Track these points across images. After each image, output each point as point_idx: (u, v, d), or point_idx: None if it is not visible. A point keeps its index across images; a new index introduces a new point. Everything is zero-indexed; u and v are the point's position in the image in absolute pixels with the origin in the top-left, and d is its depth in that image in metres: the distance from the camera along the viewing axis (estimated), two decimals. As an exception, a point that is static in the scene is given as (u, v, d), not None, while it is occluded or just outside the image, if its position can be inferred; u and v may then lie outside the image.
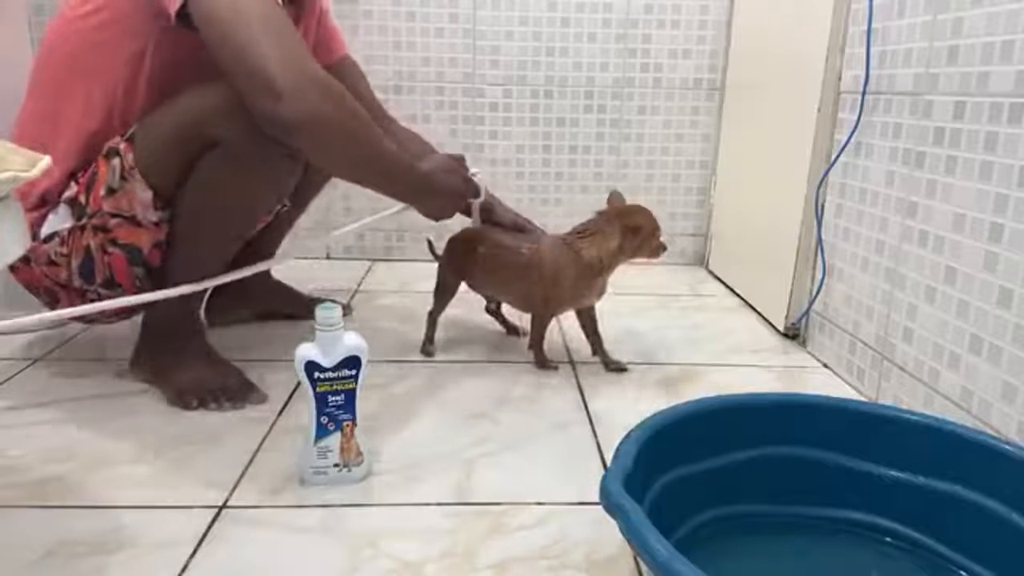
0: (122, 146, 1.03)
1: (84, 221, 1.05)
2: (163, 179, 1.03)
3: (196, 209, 1.05)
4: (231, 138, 0.99)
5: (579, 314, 1.28)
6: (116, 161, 1.03)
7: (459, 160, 1.20)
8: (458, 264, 1.30)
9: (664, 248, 1.21)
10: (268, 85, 0.89)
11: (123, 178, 1.02)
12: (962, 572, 0.74)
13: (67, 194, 1.07)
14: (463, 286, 1.34)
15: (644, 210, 1.20)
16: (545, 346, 1.27)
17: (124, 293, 1.10)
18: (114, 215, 1.03)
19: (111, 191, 1.03)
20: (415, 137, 1.38)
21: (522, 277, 1.22)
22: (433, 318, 1.34)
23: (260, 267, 1.17)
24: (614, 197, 1.22)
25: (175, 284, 1.10)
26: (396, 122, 1.41)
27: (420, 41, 1.88)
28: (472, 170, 1.22)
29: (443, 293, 1.33)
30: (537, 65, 1.91)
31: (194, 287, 1.06)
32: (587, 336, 1.29)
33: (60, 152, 1.05)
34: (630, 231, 1.17)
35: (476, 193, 1.24)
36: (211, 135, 1.00)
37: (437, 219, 1.17)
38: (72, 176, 1.07)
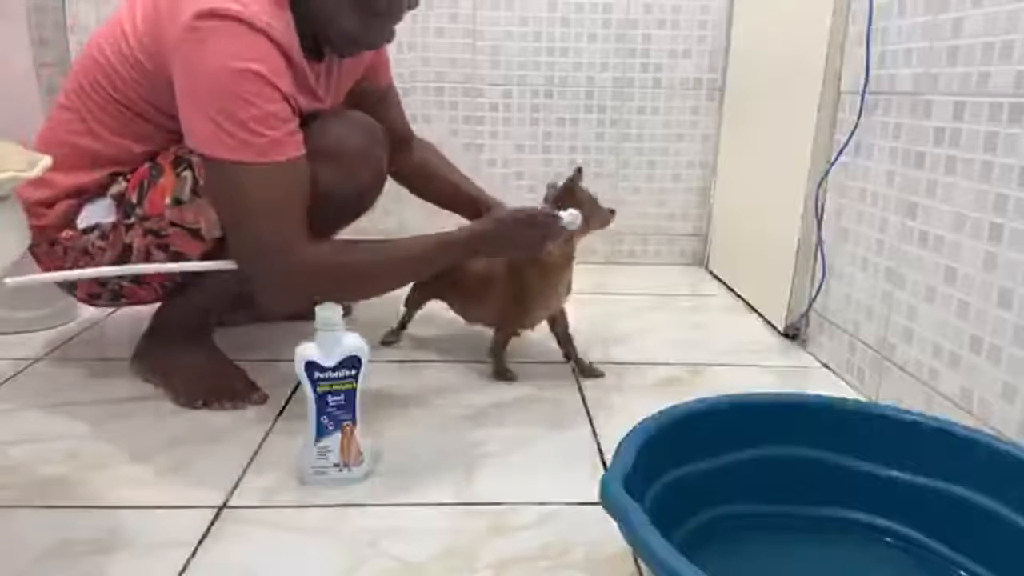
0: (195, 159, 1.00)
1: (132, 220, 1.03)
2: None
3: None
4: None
5: (552, 322, 1.26)
6: (188, 174, 1.01)
7: (561, 198, 1.14)
8: (425, 287, 1.32)
9: (612, 212, 1.20)
10: (256, 271, 0.98)
11: (195, 193, 1.01)
12: (962, 572, 0.74)
13: (114, 189, 1.05)
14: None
15: (576, 185, 1.16)
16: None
17: (148, 287, 1.10)
18: (175, 224, 1.02)
19: (179, 202, 1.01)
20: (443, 160, 1.38)
21: (485, 295, 1.22)
22: (407, 308, 1.38)
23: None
24: (552, 189, 1.18)
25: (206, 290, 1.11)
26: (427, 143, 1.39)
27: (420, 41, 1.88)
28: (562, 213, 1.11)
29: (412, 302, 1.37)
30: (537, 65, 1.90)
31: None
32: (560, 344, 1.27)
33: (105, 159, 1.05)
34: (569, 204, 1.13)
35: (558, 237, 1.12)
36: None
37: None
38: (115, 173, 1.06)
